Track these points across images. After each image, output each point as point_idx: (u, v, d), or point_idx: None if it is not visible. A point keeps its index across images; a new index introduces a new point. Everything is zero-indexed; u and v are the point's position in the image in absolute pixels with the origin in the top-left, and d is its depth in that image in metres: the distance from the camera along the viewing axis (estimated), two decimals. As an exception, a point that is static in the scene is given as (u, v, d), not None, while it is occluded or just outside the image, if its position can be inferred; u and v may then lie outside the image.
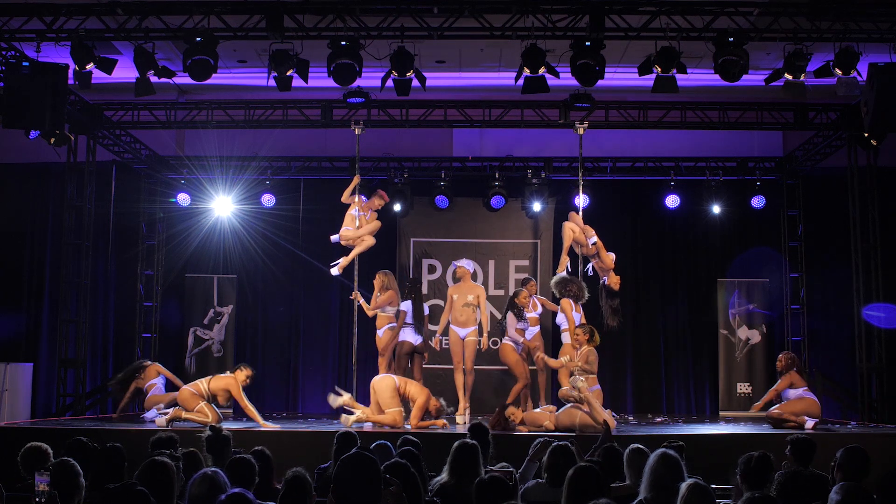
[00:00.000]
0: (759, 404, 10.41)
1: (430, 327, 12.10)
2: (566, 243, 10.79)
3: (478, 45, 11.07)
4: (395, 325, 10.67)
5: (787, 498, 4.26)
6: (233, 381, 9.67)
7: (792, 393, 9.90)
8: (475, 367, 11.03)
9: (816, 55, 9.50)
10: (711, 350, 13.47)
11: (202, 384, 9.73)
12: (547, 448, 5.30)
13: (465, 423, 10.12)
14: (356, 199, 11.05)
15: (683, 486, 3.71)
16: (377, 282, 10.81)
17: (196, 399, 9.57)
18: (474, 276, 12.94)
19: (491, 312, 13.11)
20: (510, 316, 10.58)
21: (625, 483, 5.05)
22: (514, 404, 9.75)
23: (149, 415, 10.60)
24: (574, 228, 10.77)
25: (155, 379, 11.23)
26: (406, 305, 10.73)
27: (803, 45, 9.34)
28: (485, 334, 10.78)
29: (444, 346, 11.69)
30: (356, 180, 10.99)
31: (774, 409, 9.81)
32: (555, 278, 10.78)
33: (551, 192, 13.07)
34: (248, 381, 9.80)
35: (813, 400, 9.88)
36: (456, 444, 5.05)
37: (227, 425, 9.28)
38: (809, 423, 9.63)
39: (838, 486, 3.73)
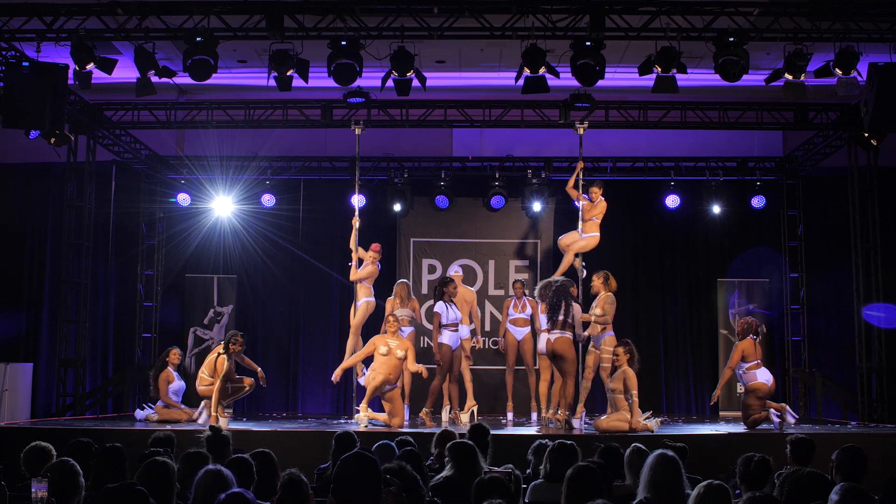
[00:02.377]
0: (717, 392, 10.07)
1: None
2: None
3: (478, 45, 11.07)
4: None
5: (788, 498, 4.25)
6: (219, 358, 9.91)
7: (746, 374, 9.70)
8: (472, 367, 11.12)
9: (816, 55, 9.50)
10: (711, 350, 13.48)
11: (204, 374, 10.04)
12: (546, 448, 5.31)
13: (466, 422, 10.07)
14: (358, 249, 10.75)
15: (700, 486, 3.70)
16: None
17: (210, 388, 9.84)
18: (474, 278, 13.07)
19: (491, 312, 13.15)
20: (576, 307, 9.63)
21: (625, 482, 5.05)
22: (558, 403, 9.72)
23: (140, 413, 10.51)
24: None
25: (173, 369, 10.75)
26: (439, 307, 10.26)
27: (803, 45, 9.34)
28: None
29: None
30: (355, 225, 10.71)
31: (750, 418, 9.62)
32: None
33: (551, 192, 13.07)
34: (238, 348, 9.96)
35: (761, 383, 9.60)
36: (450, 444, 5.11)
37: (229, 425, 9.29)
38: (779, 421, 9.61)
39: (838, 486, 3.73)
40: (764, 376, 9.67)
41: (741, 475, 4.70)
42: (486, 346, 12.93)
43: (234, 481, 3.95)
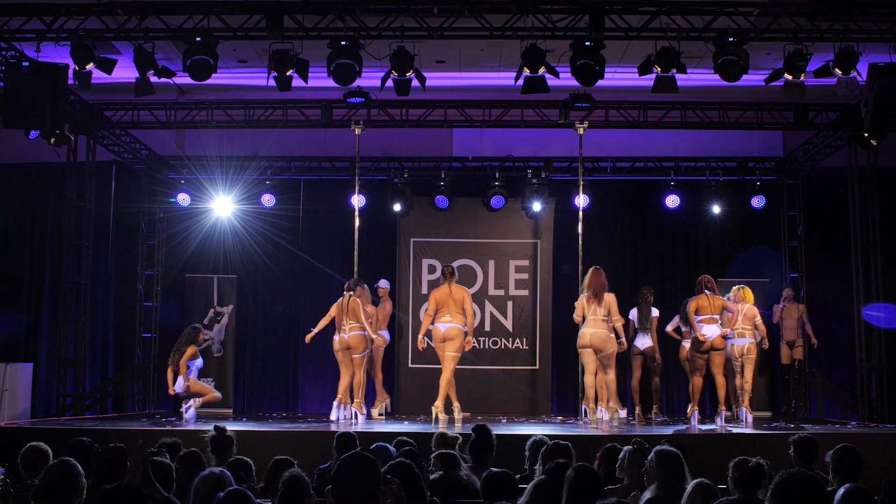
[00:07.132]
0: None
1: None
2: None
3: (478, 45, 11.07)
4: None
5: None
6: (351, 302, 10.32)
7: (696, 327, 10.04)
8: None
9: (816, 55, 9.50)
10: (711, 350, 13.44)
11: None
12: (542, 447, 5.31)
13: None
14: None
15: (690, 485, 3.69)
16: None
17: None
18: (474, 278, 13.08)
19: (491, 312, 13.16)
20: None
21: (620, 485, 5.04)
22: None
23: (191, 414, 10.17)
24: None
25: (191, 361, 10.64)
26: (632, 312, 10.83)
27: (803, 45, 9.34)
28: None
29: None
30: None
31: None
32: None
33: (551, 192, 13.07)
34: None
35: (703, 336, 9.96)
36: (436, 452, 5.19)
37: (229, 426, 9.28)
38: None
39: (842, 489, 3.69)
40: (710, 331, 9.98)
41: (735, 480, 4.63)
42: (486, 347, 12.96)
43: (234, 484, 3.95)
